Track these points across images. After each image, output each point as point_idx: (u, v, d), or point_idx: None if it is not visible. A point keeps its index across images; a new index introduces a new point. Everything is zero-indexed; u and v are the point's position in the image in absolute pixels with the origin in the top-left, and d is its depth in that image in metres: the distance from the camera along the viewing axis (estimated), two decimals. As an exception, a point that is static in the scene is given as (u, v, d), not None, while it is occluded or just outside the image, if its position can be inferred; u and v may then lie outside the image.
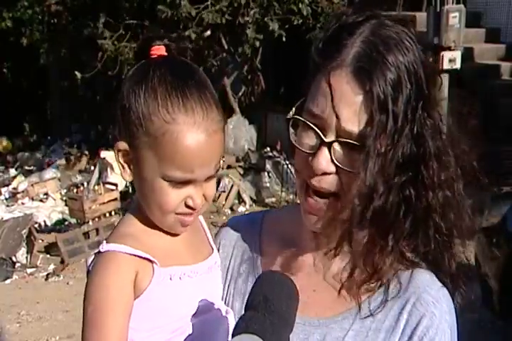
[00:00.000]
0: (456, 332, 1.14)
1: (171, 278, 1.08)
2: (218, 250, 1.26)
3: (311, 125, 1.07)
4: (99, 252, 1.06)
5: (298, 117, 1.10)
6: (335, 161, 1.05)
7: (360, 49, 1.04)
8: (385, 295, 1.13)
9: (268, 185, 8.52)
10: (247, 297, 1.05)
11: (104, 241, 1.06)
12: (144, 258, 1.05)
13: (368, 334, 1.12)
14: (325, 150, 1.05)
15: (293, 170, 8.19)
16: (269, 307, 0.94)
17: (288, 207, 1.30)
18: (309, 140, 1.08)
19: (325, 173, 1.06)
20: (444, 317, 1.12)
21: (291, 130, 1.12)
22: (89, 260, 1.08)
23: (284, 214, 1.32)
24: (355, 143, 1.04)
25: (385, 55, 1.03)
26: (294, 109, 1.12)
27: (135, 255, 1.05)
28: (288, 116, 1.12)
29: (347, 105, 1.03)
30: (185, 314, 1.11)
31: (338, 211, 1.09)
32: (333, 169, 1.06)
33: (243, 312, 0.97)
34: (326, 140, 1.05)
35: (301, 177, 1.12)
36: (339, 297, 1.15)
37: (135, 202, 1.14)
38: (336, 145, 1.05)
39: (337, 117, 1.04)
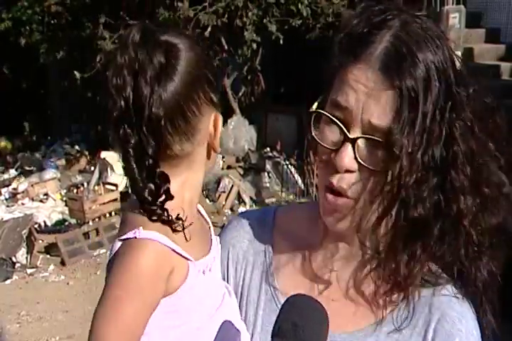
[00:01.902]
0: None
1: (204, 272, 1.07)
2: (228, 251, 1.22)
3: (336, 120, 1.03)
4: (126, 239, 1.00)
5: (321, 111, 1.05)
6: (358, 159, 1.01)
7: (389, 44, 1.00)
8: (410, 310, 1.08)
9: (268, 185, 8.52)
10: (260, 307, 1.02)
11: (141, 228, 0.99)
12: (181, 255, 1.02)
13: None
14: (348, 147, 1.01)
15: (293, 170, 8.20)
16: (298, 334, 0.88)
17: (299, 205, 1.24)
18: (332, 136, 1.04)
19: (347, 171, 1.02)
20: (471, 333, 1.09)
21: (313, 124, 1.07)
22: (116, 246, 1.01)
23: (297, 212, 1.26)
24: (380, 140, 1.00)
25: (414, 52, 0.99)
26: (317, 102, 1.08)
27: (173, 250, 1.00)
28: (311, 110, 1.07)
29: (375, 100, 0.99)
30: (211, 308, 1.09)
31: (358, 211, 1.04)
32: (356, 167, 1.02)
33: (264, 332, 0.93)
34: (351, 136, 1.01)
35: (322, 174, 1.07)
36: (360, 308, 1.11)
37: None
38: (361, 142, 1.01)
39: (364, 111, 1.00)
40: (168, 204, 1.02)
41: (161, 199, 1.01)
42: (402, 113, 0.98)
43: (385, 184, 1.00)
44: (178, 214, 1.02)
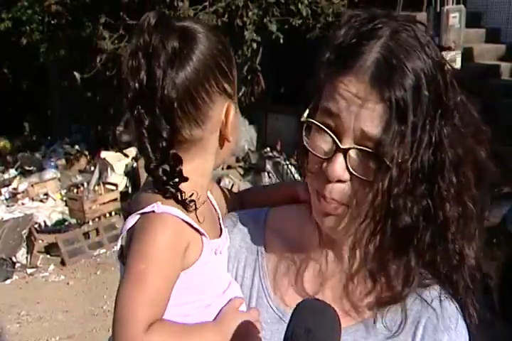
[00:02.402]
0: None
1: (215, 253, 1.10)
2: None
3: (327, 129, 1.03)
4: (143, 213, 1.02)
5: (313, 121, 1.05)
6: (350, 169, 1.02)
7: (379, 55, 1.00)
8: (400, 310, 1.10)
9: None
10: (252, 304, 1.02)
11: (159, 203, 1.02)
12: (196, 230, 1.05)
13: None
14: (340, 157, 1.02)
15: (293, 170, 8.20)
16: (311, 339, 0.87)
17: (291, 206, 1.25)
18: (324, 144, 1.04)
19: (339, 181, 1.03)
20: (461, 331, 1.10)
21: (304, 133, 1.08)
22: (132, 220, 1.03)
23: (288, 212, 1.26)
24: (371, 150, 1.00)
25: (404, 62, 0.99)
26: (307, 110, 1.08)
27: (190, 224, 1.03)
28: (302, 119, 1.08)
29: (366, 111, 0.99)
30: (221, 288, 1.12)
31: (351, 218, 1.05)
32: (347, 177, 1.02)
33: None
34: (342, 146, 1.01)
35: (313, 183, 1.08)
36: (350, 307, 1.12)
37: None
38: (352, 152, 1.02)
39: (355, 119, 1.00)
40: (181, 186, 1.05)
41: (175, 180, 1.04)
42: (392, 124, 0.98)
43: (375, 193, 1.01)
44: (192, 195, 1.05)
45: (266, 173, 8.55)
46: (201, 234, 1.06)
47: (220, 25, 8.13)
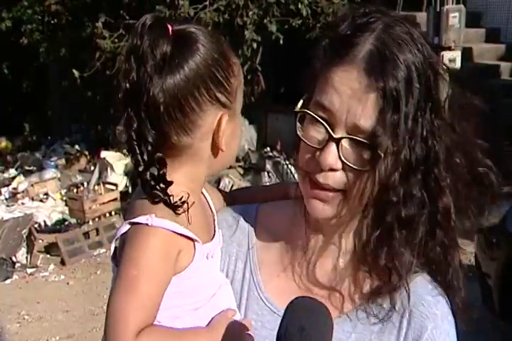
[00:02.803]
0: (455, 330, 1.14)
1: (207, 257, 1.11)
2: None
3: (320, 119, 1.05)
4: (135, 223, 1.03)
5: (307, 111, 1.07)
6: (342, 158, 1.04)
7: (372, 47, 1.03)
8: (389, 297, 1.11)
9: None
10: (244, 297, 1.02)
11: (153, 215, 1.03)
12: (188, 237, 1.06)
13: (372, 338, 1.12)
14: (333, 146, 1.04)
15: (293, 170, 8.21)
16: (304, 337, 0.88)
17: (281, 201, 1.27)
18: (317, 134, 1.06)
19: (331, 169, 1.05)
20: (447, 318, 1.12)
21: (298, 123, 1.10)
22: (125, 228, 1.05)
23: (278, 208, 1.28)
24: (364, 140, 1.02)
25: (396, 54, 1.02)
26: (301, 101, 1.10)
27: (182, 234, 1.04)
28: (296, 109, 1.10)
29: (359, 102, 1.02)
30: (211, 292, 1.13)
31: (343, 206, 1.07)
32: (339, 166, 1.05)
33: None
34: (335, 136, 1.04)
35: (303, 172, 1.10)
36: (339, 297, 1.15)
37: None
38: (345, 142, 1.04)
39: (348, 113, 1.02)
40: (171, 190, 1.05)
41: (161, 185, 1.05)
42: (385, 114, 1.01)
43: (368, 183, 1.03)
44: (181, 198, 1.05)
45: (266, 173, 8.55)
46: (193, 240, 1.07)
47: (221, 22, 8.13)
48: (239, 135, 1.17)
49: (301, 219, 1.16)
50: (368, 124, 1.01)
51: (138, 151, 1.05)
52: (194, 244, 1.07)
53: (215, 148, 1.12)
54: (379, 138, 1.01)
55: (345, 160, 1.04)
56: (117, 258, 1.07)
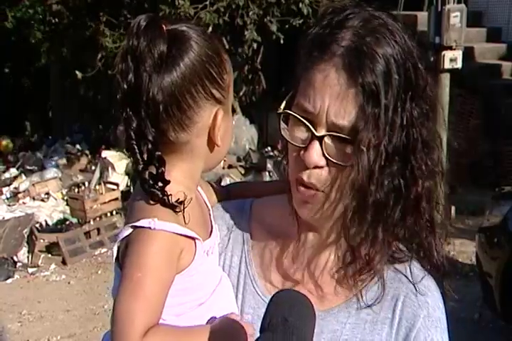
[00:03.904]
0: (445, 317, 1.17)
1: (207, 254, 1.13)
2: None
3: (302, 119, 1.07)
4: (139, 227, 1.05)
5: (289, 112, 1.10)
6: (326, 155, 1.06)
7: (350, 42, 1.04)
8: (379, 287, 1.14)
9: (269, 184, 8.51)
10: (240, 292, 1.04)
11: (155, 219, 1.05)
12: (189, 236, 1.08)
13: (365, 327, 1.14)
14: (316, 144, 1.06)
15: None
16: (288, 328, 0.88)
17: (275, 197, 1.28)
18: (300, 134, 1.08)
19: (316, 167, 1.07)
20: (438, 305, 1.16)
21: (283, 124, 1.12)
22: (125, 232, 1.06)
23: (271, 203, 1.30)
24: (346, 136, 1.04)
25: (374, 48, 1.03)
26: (284, 103, 1.12)
27: (183, 235, 1.06)
28: (278, 111, 1.12)
29: (338, 99, 1.03)
30: (213, 287, 1.15)
31: (328, 203, 1.09)
32: (324, 163, 1.06)
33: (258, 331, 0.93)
34: (317, 134, 1.06)
35: (293, 171, 1.12)
36: (331, 289, 1.16)
37: None
38: (328, 139, 1.06)
39: (328, 111, 1.04)
40: (168, 189, 1.07)
41: (160, 183, 1.06)
42: (365, 109, 1.02)
43: (352, 177, 1.05)
44: (178, 199, 1.07)
45: (267, 173, 8.55)
46: (194, 238, 1.09)
47: (221, 24, 8.14)
48: (232, 130, 1.19)
49: (293, 216, 1.18)
50: (347, 122, 1.03)
51: (137, 150, 1.06)
52: (195, 242, 1.09)
53: (211, 144, 1.14)
54: (361, 133, 1.02)
55: (329, 157, 1.06)
56: (120, 260, 1.08)
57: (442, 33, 6.89)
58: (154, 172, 1.06)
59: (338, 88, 1.03)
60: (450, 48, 6.91)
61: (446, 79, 6.85)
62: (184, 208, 1.07)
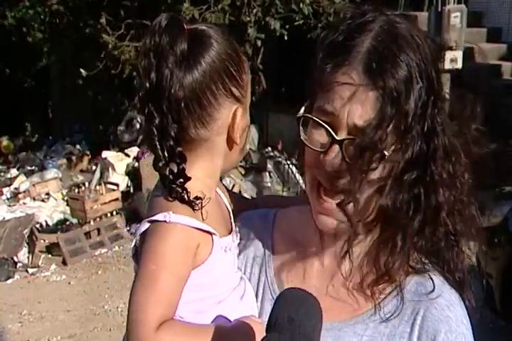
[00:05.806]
0: (471, 334, 1.11)
1: (225, 250, 1.14)
2: None
3: (323, 123, 1.06)
4: (155, 221, 1.06)
5: (309, 115, 1.09)
6: (346, 159, 1.04)
7: (371, 46, 1.03)
8: (399, 300, 1.11)
9: (269, 185, 8.52)
10: (258, 299, 1.03)
11: (171, 212, 1.06)
12: (206, 231, 1.08)
13: (383, 340, 1.11)
14: (336, 148, 1.05)
15: (294, 170, 8.21)
16: (294, 328, 0.88)
17: (298, 207, 1.28)
18: (320, 138, 1.07)
19: (336, 171, 1.06)
20: (461, 320, 1.10)
21: (301, 128, 1.11)
22: (143, 227, 1.08)
23: (294, 213, 1.30)
24: (366, 141, 1.02)
25: (396, 53, 1.02)
26: (303, 107, 1.11)
27: (200, 229, 1.07)
28: (298, 115, 1.11)
29: (359, 103, 1.02)
30: (231, 285, 1.16)
31: (347, 212, 1.08)
32: (344, 167, 1.05)
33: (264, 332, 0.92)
34: (338, 138, 1.04)
35: (311, 176, 1.11)
36: (350, 300, 1.14)
37: None
38: (348, 143, 1.04)
39: (349, 115, 1.03)
40: (189, 186, 1.08)
41: (181, 179, 1.08)
42: (386, 113, 1.01)
43: (373, 182, 1.04)
44: (197, 196, 1.08)
45: (267, 173, 8.55)
46: (211, 233, 1.09)
47: (227, 23, 8.13)
48: (249, 130, 1.21)
49: (314, 226, 1.17)
50: (369, 122, 1.02)
51: (159, 146, 1.07)
52: (212, 238, 1.10)
53: (230, 142, 1.16)
54: (381, 137, 1.01)
55: (349, 161, 1.04)
56: (138, 256, 1.10)
57: (442, 34, 6.89)
58: (175, 169, 1.07)
59: (359, 92, 1.02)
60: (450, 49, 6.90)
61: (446, 79, 6.85)
62: (203, 206, 1.08)
